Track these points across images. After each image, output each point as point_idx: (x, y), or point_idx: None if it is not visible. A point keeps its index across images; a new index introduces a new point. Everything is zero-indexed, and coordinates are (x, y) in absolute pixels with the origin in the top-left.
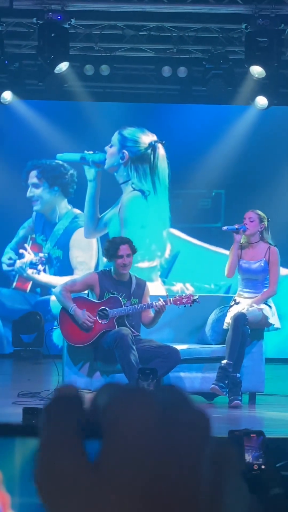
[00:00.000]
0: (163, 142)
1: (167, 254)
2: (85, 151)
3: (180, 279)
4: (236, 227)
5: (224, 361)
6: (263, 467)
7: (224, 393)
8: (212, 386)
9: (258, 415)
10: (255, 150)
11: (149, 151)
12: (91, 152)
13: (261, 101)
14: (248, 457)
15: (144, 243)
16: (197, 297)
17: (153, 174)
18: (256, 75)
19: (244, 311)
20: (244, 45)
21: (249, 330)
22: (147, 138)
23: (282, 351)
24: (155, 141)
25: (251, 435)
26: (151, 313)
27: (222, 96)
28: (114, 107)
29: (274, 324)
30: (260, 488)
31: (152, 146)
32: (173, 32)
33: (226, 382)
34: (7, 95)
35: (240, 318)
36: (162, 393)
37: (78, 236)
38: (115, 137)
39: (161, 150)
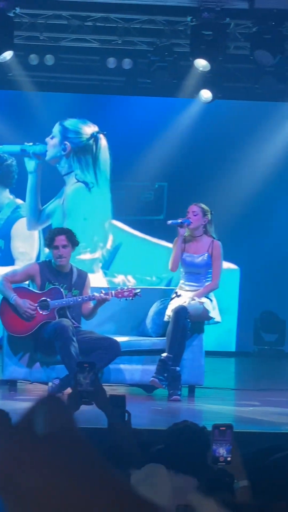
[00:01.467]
0: (105, 132)
1: (109, 245)
2: (25, 143)
3: (122, 271)
4: (180, 221)
5: (164, 354)
6: (229, 459)
7: (164, 386)
8: (152, 379)
9: (197, 408)
10: (199, 143)
11: (91, 142)
12: (31, 143)
13: (206, 94)
14: (215, 450)
15: (87, 234)
16: (139, 290)
17: (95, 165)
18: (201, 68)
19: (185, 304)
20: (189, 38)
21: (189, 323)
22: (89, 129)
23: (222, 344)
24: (97, 132)
25: (220, 428)
26: (91, 304)
27: (167, 89)
28: (59, 97)
29: (214, 318)
30: (226, 481)
31: (94, 137)
32: (118, 24)
33: (166, 375)
34: None
35: (181, 311)
36: None
37: (20, 226)
38: (56, 129)
39: (103, 141)
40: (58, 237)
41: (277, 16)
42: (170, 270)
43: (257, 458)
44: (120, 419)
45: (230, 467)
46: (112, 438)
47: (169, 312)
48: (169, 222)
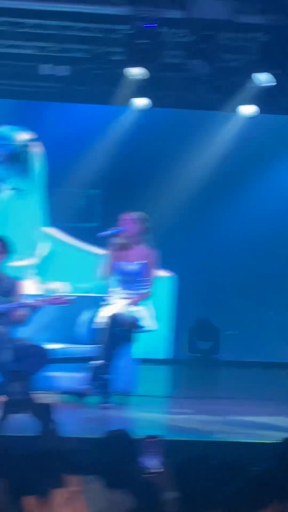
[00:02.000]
0: (40, 139)
1: (43, 252)
2: None
3: (55, 278)
4: (111, 231)
5: (96, 362)
6: (158, 470)
7: (95, 393)
8: (84, 386)
9: (128, 416)
10: (134, 150)
11: (24, 149)
12: None
13: (140, 102)
14: (145, 460)
15: (21, 241)
16: (71, 297)
17: (29, 172)
18: (136, 77)
19: (118, 312)
20: (125, 46)
21: (122, 331)
22: (22, 136)
23: (156, 351)
24: (30, 139)
25: (151, 439)
26: (22, 311)
27: (102, 96)
28: None
29: (148, 326)
30: (154, 491)
31: (28, 144)
32: (55, 30)
33: (97, 382)
34: None
35: (115, 319)
36: None
37: None
38: None
39: (37, 148)
40: None
41: (212, 25)
42: (99, 277)
43: (188, 467)
44: (47, 427)
45: (159, 478)
46: (40, 446)
47: (101, 319)
48: (101, 234)
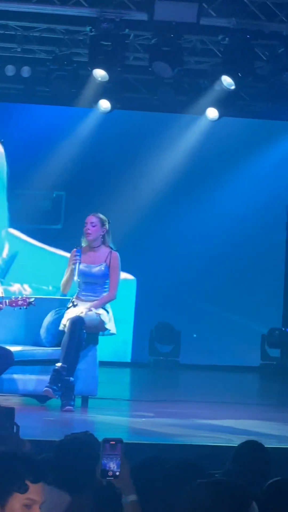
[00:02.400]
0: (2, 140)
1: (5, 254)
2: None
3: (18, 280)
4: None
5: (59, 364)
6: (117, 473)
7: (57, 396)
8: (45, 389)
9: (90, 419)
10: (97, 153)
11: None
12: None
13: (104, 104)
14: (105, 464)
15: None
16: (33, 299)
17: None
18: (100, 78)
19: (81, 314)
20: (88, 48)
21: (85, 334)
22: None
23: (118, 354)
24: None
25: (111, 442)
26: None
27: (66, 98)
28: None
29: (110, 329)
30: (113, 495)
31: None
32: (17, 31)
33: (60, 385)
34: None
35: (77, 322)
36: None
37: None
38: None
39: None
40: None
41: (176, 28)
42: (61, 291)
43: (146, 469)
44: (9, 430)
45: (118, 481)
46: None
47: (64, 321)
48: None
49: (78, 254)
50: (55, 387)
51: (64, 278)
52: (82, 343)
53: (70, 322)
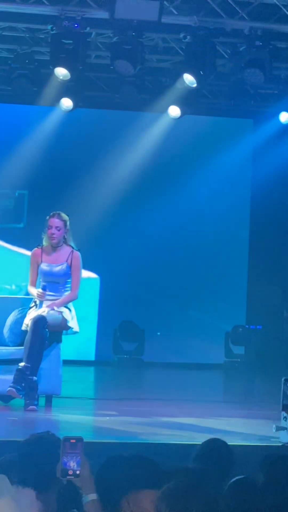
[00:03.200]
0: None
1: None
2: None
3: None
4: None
5: (22, 364)
6: (78, 472)
7: (21, 396)
8: (9, 388)
9: (54, 418)
10: (60, 151)
11: None
12: None
13: (66, 103)
14: (65, 463)
15: None
16: None
17: None
18: (61, 77)
19: (44, 314)
20: (50, 46)
21: (48, 333)
22: None
23: (82, 353)
24: None
25: (71, 440)
26: None
27: (27, 96)
28: None
29: (73, 328)
30: (74, 494)
31: None
32: None
33: (23, 384)
34: None
35: (39, 321)
36: None
37: None
38: None
39: None
40: None
41: (137, 26)
42: (27, 290)
43: (107, 469)
44: None
45: (78, 480)
46: None
47: (27, 321)
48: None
49: (44, 289)
50: (19, 387)
51: (30, 279)
52: (45, 342)
53: (33, 321)
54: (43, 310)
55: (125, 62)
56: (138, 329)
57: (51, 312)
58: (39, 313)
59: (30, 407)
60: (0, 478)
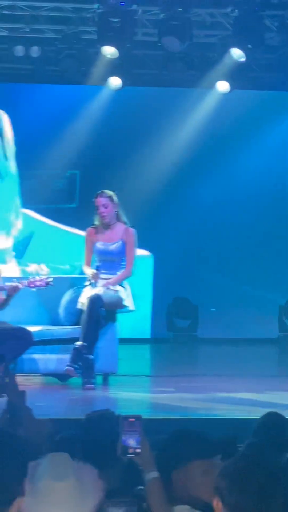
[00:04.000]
0: (15, 122)
1: (21, 234)
2: None
3: (34, 260)
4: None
5: (78, 343)
6: (138, 451)
7: (78, 374)
8: (66, 367)
9: (112, 396)
10: (109, 130)
11: None
12: None
13: (115, 81)
14: (125, 441)
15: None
16: (51, 279)
17: (4, 142)
18: (109, 56)
19: (99, 293)
20: (97, 25)
21: (104, 311)
22: None
23: (137, 331)
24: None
25: (129, 419)
26: (2, 295)
27: (76, 76)
28: None
29: (128, 306)
30: (135, 472)
31: None
32: (25, 11)
33: (80, 363)
34: None
35: (95, 300)
36: None
37: None
38: None
39: (4, 116)
40: None
41: (184, 2)
42: (82, 269)
43: (168, 445)
44: (26, 412)
45: (139, 458)
46: (16, 430)
47: (82, 300)
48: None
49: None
50: (76, 366)
51: (85, 258)
52: (101, 321)
53: (89, 300)
54: (99, 289)
55: (172, 38)
56: (191, 305)
57: (107, 291)
58: (95, 292)
59: (88, 385)
60: (62, 456)
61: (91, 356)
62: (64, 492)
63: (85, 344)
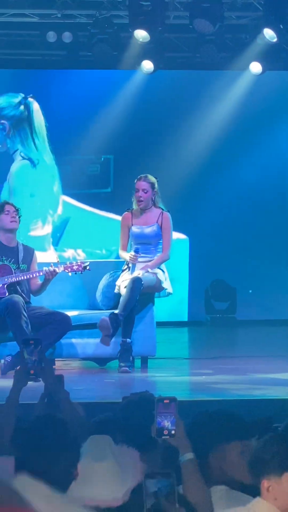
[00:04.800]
0: (31, 95)
1: (57, 220)
2: None
3: (71, 245)
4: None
5: (116, 311)
6: (173, 432)
7: (116, 358)
8: (103, 317)
9: (150, 379)
10: (143, 114)
11: (21, 108)
12: None
13: (147, 65)
14: (160, 422)
15: (35, 211)
16: (88, 264)
17: (32, 130)
18: (141, 39)
19: (137, 276)
20: (128, 9)
21: (142, 295)
22: (16, 98)
23: (174, 314)
24: (25, 97)
25: (164, 401)
26: (39, 280)
27: (108, 61)
28: None
29: (167, 289)
30: (171, 454)
31: (24, 103)
32: None
33: (115, 325)
34: None
35: (136, 281)
36: None
37: None
38: None
39: (34, 104)
40: (7, 205)
41: None
42: (119, 254)
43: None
44: (63, 395)
45: (174, 440)
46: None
47: (119, 283)
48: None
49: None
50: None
51: (120, 242)
52: (139, 304)
53: (131, 281)
54: (138, 273)
55: (204, 20)
56: (229, 288)
57: (146, 274)
58: (132, 276)
59: (123, 368)
60: (104, 439)
61: (129, 339)
62: (104, 472)
63: (122, 313)
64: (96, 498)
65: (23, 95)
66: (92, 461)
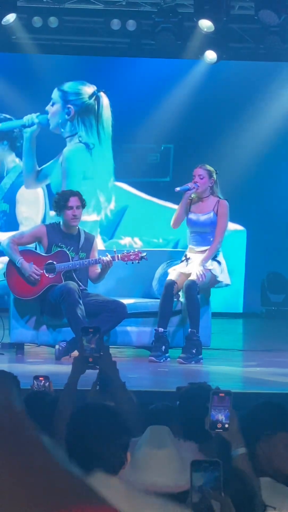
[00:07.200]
0: (104, 90)
1: (113, 207)
2: (24, 118)
3: (128, 234)
4: (189, 186)
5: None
6: (227, 426)
7: (161, 361)
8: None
9: (205, 369)
10: (204, 104)
11: (92, 101)
12: (33, 115)
13: (210, 55)
14: (214, 415)
15: (88, 195)
16: (145, 254)
17: (99, 124)
18: (205, 29)
19: (194, 278)
20: None
21: (199, 293)
22: (88, 89)
23: (229, 305)
24: (97, 91)
25: (220, 394)
26: (98, 268)
27: (171, 50)
28: (62, 60)
29: (223, 281)
30: (225, 447)
31: (95, 95)
32: None
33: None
34: None
35: (192, 287)
36: None
37: (25, 191)
38: (56, 94)
39: (104, 99)
40: (72, 198)
41: None
42: (171, 227)
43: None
44: (118, 383)
45: (227, 434)
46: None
47: (171, 270)
48: (177, 189)
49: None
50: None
51: (176, 212)
52: (199, 306)
53: (185, 288)
54: (193, 268)
55: (269, 11)
56: (286, 280)
57: (199, 274)
58: (190, 265)
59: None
60: (163, 429)
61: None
62: (163, 460)
63: (194, 330)
64: (157, 485)
65: (95, 87)
66: (150, 447)
